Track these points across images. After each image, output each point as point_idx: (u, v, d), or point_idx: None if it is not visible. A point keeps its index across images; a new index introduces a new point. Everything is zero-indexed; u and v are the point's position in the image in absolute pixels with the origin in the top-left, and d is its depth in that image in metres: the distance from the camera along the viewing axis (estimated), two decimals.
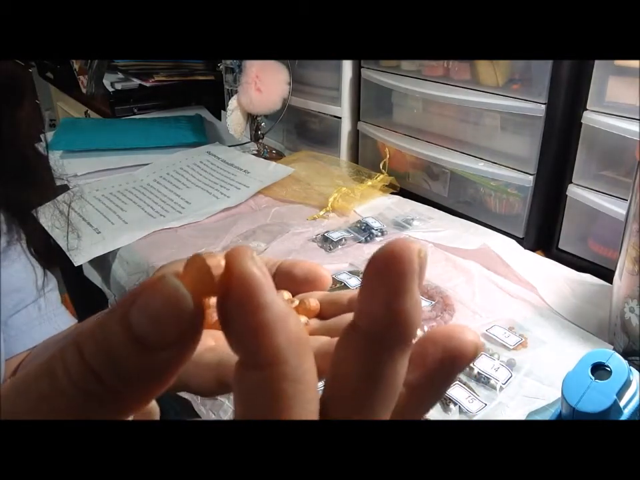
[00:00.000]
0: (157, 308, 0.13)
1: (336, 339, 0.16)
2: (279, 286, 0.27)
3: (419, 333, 0.16)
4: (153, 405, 0.19)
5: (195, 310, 0.13)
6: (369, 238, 0.83)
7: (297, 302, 0.25)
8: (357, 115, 1.06)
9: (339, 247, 0.82)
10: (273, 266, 0.28)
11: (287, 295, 0.26)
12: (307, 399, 0.14)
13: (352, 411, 0.15)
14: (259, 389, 0.14)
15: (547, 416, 0.49)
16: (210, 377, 0.23)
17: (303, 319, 0.24)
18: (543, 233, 0.82)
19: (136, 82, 1.48)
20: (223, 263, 0.14)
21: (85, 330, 0.14)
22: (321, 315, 0.25)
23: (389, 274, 0.14)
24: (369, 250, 0.80)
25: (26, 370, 0.15)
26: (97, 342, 0.14)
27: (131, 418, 0.16)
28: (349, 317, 0.25)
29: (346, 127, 1.08)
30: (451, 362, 0.16)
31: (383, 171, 1.01)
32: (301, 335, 0.14)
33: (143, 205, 0.98)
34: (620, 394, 0.33)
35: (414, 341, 0.16)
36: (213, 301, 0.15)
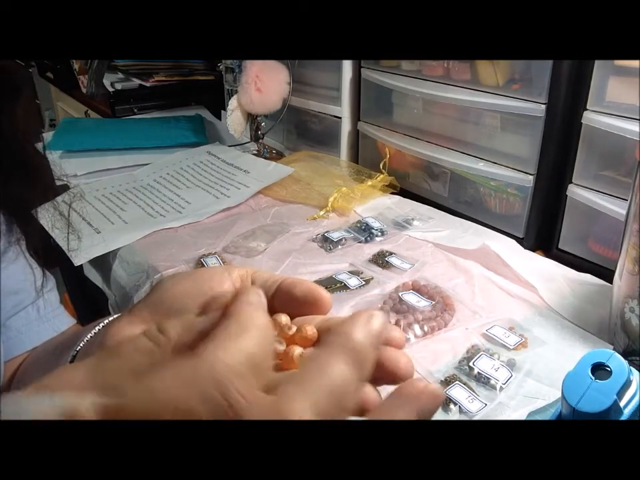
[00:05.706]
0: None
1: None
2: (279, 304, 0.27)
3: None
4: None
5: None
6: (369, 238, 0.83)
7: (294, 329, 0.25)
8: (357, 115, 1.06)
9: (339, 247, 0.82)
10: (273, 283, 0.27)
11: (285, 318, 0.26)
12: None
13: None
14: None
15: (547, 416, 0.49)
16: None
17: (298, 350, 0.24)
18: (542, 233, 0.82)
19: (136, 82, 1.48)
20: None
21: None
22: (319, 343, 0.25)
23: None
24: (369, 250, 0.80)
25: None
26: None
27: None
28: None
29: (346, 127, 1.08)
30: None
31: (383, 170, 1.01)
32: None
33: (143, 204, 0.98)
34: (620, 394, 0.33)
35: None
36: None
